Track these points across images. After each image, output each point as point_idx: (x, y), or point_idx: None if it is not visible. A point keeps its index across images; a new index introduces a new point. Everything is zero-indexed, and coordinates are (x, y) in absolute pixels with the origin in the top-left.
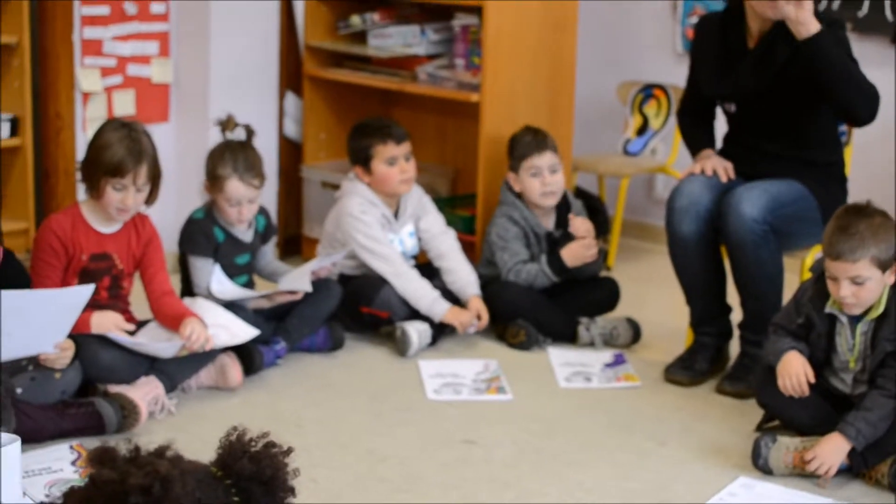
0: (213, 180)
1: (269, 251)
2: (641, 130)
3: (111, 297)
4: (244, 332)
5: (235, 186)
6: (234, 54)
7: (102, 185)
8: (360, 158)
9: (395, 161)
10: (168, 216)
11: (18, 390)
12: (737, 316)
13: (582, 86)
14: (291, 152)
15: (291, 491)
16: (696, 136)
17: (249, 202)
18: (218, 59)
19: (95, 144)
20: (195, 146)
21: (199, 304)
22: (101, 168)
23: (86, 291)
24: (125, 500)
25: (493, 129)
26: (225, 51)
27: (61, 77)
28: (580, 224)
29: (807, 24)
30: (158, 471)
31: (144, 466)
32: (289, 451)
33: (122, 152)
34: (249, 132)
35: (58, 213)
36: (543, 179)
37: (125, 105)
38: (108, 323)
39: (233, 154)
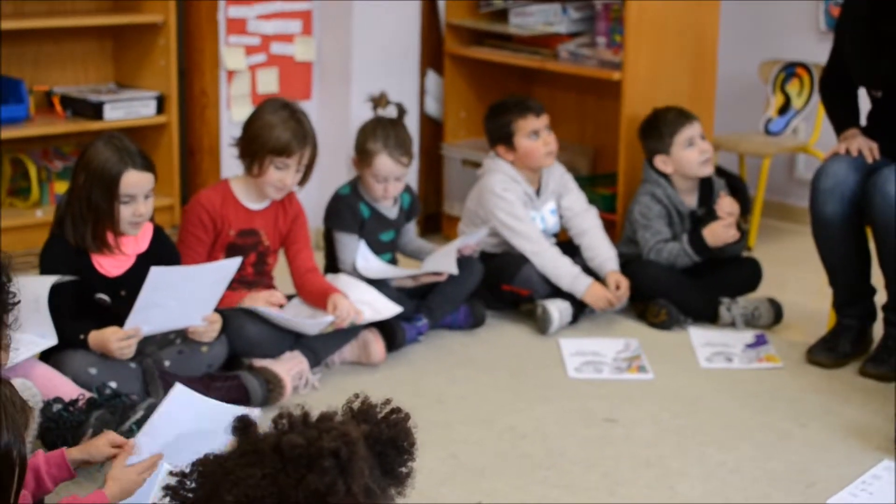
0: (362, 155)
1: (412, 229)
2: (783, 110)
3: (256, 274)
4: (387, 308)
5: (384, 162)
6: (375, 33)
7: (266, 163)
8: (502, 136)
9: (538, 133)
10: (311, 193)
11: (166, 363)
12: (881, 298)
13: (723, 64)
14: (432, 130)
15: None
16: (841, 112)
17: (396, 179)
18: (360, 38)
19: (258, 123)
20: (337, 124)
21: (342, 281)
22: (266, 147)
23: (233, 264)
24: (316, 464)
25: (634, 107)
26: (367, 29)
27: (206, 55)
28: (727, 204)
29: None
30: (348, 433)
31: (331, 430)
32: (408, 415)
33: (288, 134)
34: (401, 111)
35: (207, 188)
36: (701, 147)
37: (269, 83)
38: (260, 300)
39: (384, 130)
